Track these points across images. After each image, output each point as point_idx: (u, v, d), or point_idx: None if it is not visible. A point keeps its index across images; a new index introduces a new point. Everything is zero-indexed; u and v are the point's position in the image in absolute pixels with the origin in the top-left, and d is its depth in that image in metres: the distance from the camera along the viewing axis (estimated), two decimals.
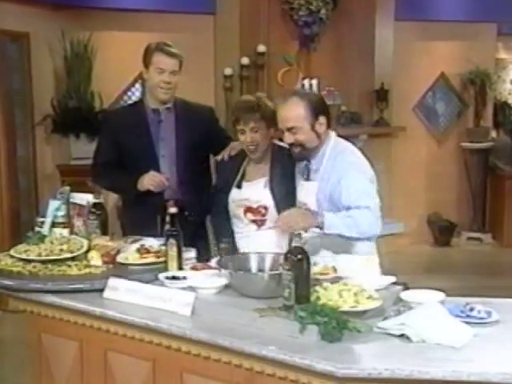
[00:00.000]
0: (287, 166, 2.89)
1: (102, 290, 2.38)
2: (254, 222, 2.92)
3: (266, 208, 2.91)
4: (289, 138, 2.67)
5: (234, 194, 2.98)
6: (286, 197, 2.86)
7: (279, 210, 2.80)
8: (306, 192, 2.73)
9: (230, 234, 2.98)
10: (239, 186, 2.99)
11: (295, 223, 2.50)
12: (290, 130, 2.65)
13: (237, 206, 2.97)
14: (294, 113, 2.63)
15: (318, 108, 2.66)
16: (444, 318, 2.00)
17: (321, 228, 2.53)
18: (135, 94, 5.78)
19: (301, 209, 2.68)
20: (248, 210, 2.93)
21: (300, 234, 2.15)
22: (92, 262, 2.61)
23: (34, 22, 5.28)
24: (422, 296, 2.19)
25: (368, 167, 2.70)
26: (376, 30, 6.36)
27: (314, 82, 6.27)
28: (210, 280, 2.40)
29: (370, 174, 2.68)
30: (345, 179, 2.59)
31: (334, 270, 2.49)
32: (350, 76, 6.10)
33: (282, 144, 2.91)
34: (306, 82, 6.27)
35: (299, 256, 2.07)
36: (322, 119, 2.66)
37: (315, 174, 2.71)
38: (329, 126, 2.72)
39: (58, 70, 5.54)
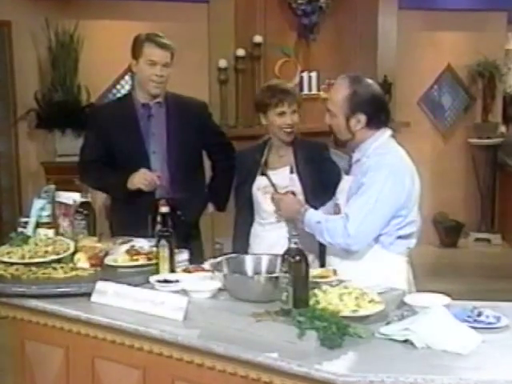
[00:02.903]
0: (310, 154, 3.05)
1: (89, 294, 2.38)
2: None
3: (293, 193, 2.98)
4: (327, 119, 2.67)
5: (260, 181, 3.08)
6: (313, 183, 3.02)
7: (307, 195, 2.98)
8: (342, 186, 2.69)
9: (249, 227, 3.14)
10: (264, 174, 3.08)
11: (281, 208, 2.73)
12: (328, 111, 2.65)
13: (263, 194, 3.06)
14: (334, 96, 2.62)
15: (361, 104, 2.54)
16: (450, 323, 2.01)
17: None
18: (125, 88, 5.76)
19: (296, 198, 2.81)
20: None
21: (297, 234, 2.15)
22: (79, 265, 2.61)
23: (16, 10, 5.27)
24: (427, 300, 2.20)
25: (405, 176, 2.53)
26: (379, 19, 6.36)
27: (314, 74, 6.29)
28: (203, 283, 2.41)
29: (397, 185, 2.48)
30: (365, 179, 2.50)
31: (335, 272, 2.50)
32: (351, 68, 6.05)
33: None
34: (305, 75, 6.28)
35: (297, 257, 2.08)
36: (361, 117, 2.55)
37: (354, 167, 2.65)
38: (377, 126, 2.60)
39: (42, 61, 5.53)
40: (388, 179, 2.48)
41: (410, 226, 2.59)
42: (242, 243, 3.12)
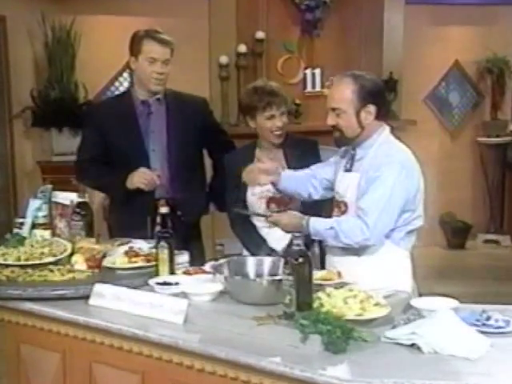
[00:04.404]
0: (300, 153, 3.05)
1: (87, 297, 2.39)
2: (278, 213, 2.98)
3: (289, 198, 3.01)
4: (331, 120, 2.68)
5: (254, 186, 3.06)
6: None
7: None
8: (347, 184, 2.71)
9: (256, 230, 3.11)
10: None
11: (281, 223, 2.71)
12: (333, 110, 2.67)
13: (258, 198, 3.07)
14: (341, 94, 2.65)
15: (370, 95, 2.64)
16: (458, 327, 2.01)
17: (307, 234, 2.61)
18: (123, 85, 5.77)
19: (292, 212, 2.80)
20: (271, 200, 3.05)
21: (300, 235, 2.15)
22: (76, 267, 2.62)
23: (11, 5, 5.26)
24: (434, 303, 2.19)
25: (414, 171, 2.65)
26: (384, 14, 6.35)
27: (317, 71, 6.28)
28: (204, 286, 2.41)
29: (408, 179, 2.60)
30: (379, 172, 2.57)
31: (339, 274, 2.50)
32: (355, 65, 6.07)
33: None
34: (309, 72, 6.28)
35: (300, 260, 2.08)
36: (372, 108, 2.64)
37: (358, 164, 2.70)
38: (383, 118, 2.72)
39: (38, 57, 5.54)
40: (401, 173, 2.58)
41: (418, 220, 2.69)
42: (257, 242, 3.10)
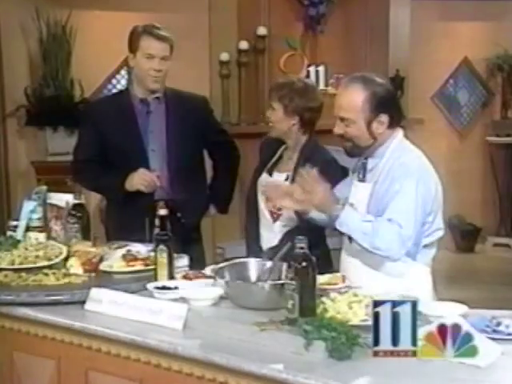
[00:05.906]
0: (310, 162, 2.91)
1: (83, 302, 2.39)
2: (270, 212, 3.03)
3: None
4: (338, 129, 2.58)
5: (261, 178, 3.12)
6: None
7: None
8: (358, 193, 2.63)
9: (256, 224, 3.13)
10: (270, 173, 3.11)
11: (314, 193, 2.53)
12: (342, 120, 2.57)
13: (260, 192, 3.09)
14: (350, 102, 2.54)
15: (383, 104, 2.53)
16: None
17: (332, 221, 2.51)
18: (120, 82, 5.78)
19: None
20: (268, 198, 3.05)
21: (304, 238, 2.15)
22: (72, 271, 2.62)
23: None
24: (442, 309, 2.20)
25: (430, 180, 2.58)
26: (391, 9, 6.37)
27: (321, 68, 6.30)
28: (204, 290, 2.41)
29: (426, 190, 2.53)
30: (398, 185, 2.49)
31: (343, 279, 2.50)
32: (361, 62, 6.10)
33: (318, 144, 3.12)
34: (312, 69, 6.29)
35: (304, 263, 2.08)
36: (384, 118, 2.54)
37: (371, 174, 2.62)
38: (396, 125, 2.60)
39: (33, 54, 5.54)
40: (419, 185, 2.50)
41: (436, 233, 2.65)
42: (254, 238, 3.11)
